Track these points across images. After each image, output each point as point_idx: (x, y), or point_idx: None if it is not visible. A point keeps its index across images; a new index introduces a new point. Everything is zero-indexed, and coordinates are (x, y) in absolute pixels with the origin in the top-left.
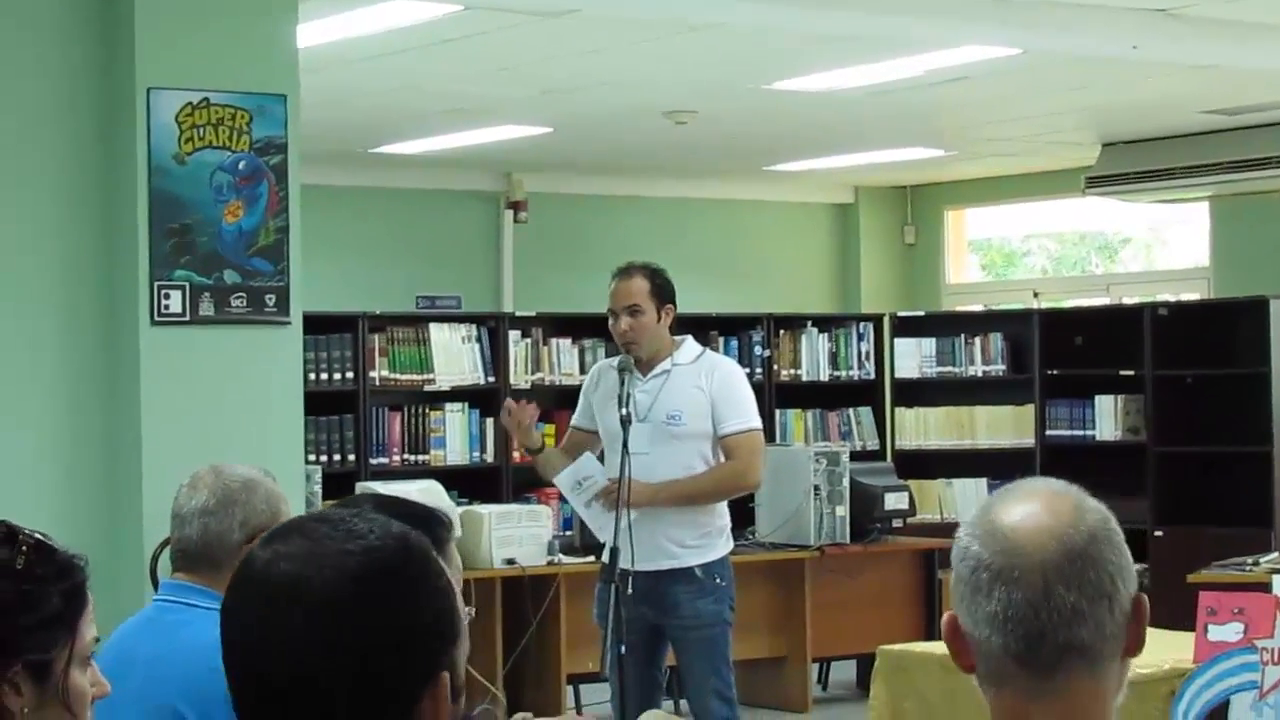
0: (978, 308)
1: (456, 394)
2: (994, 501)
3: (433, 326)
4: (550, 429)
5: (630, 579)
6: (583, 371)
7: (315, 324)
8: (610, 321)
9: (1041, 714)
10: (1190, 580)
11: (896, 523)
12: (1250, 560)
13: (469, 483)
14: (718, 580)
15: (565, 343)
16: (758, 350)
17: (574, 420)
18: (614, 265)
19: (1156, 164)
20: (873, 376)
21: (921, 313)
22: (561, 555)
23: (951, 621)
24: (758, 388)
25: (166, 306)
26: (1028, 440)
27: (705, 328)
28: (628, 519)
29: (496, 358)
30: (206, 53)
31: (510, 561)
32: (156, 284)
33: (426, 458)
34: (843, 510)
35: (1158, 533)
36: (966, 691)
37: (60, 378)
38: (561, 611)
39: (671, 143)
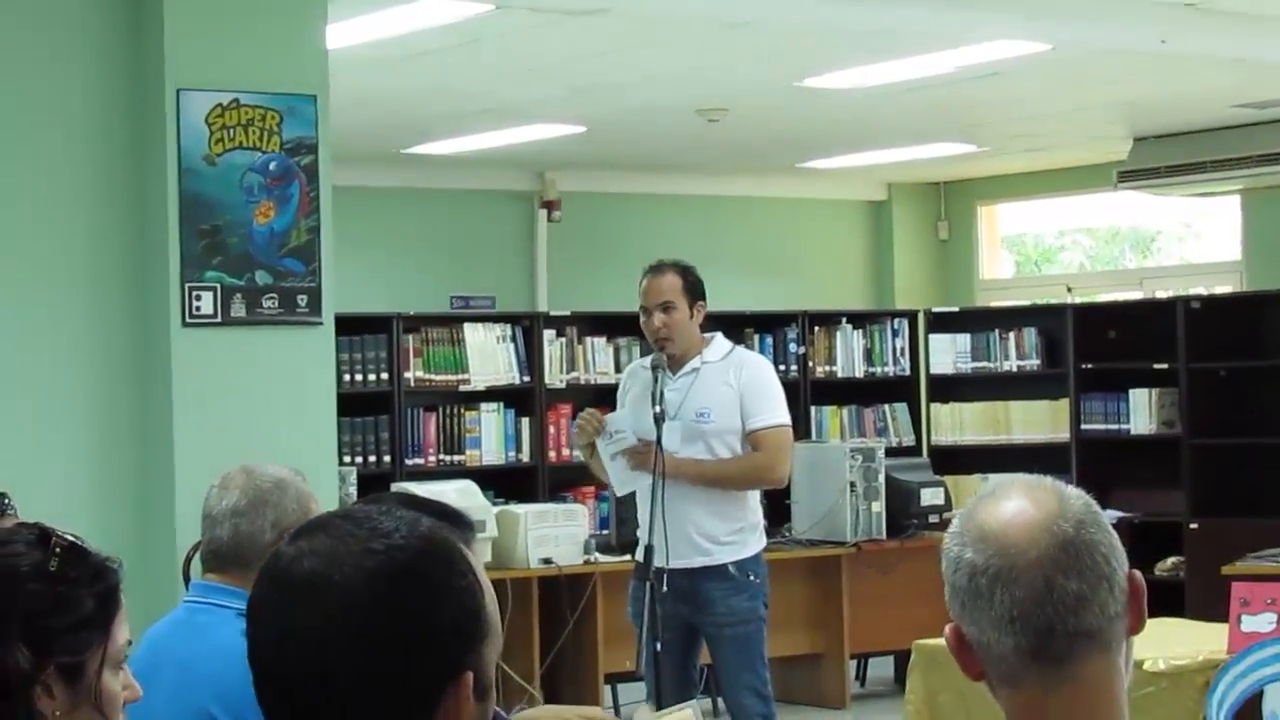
0: (1011, 303)
1: (492, 394)
2: (976, 506)
3: (467, 326)
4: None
5: (665, 577)
6: (618, 370)
7: (349, 325)
8: (642, 319)
9: (1059, 705)
10: (1225, 572)
11: (933, 518)
12: None
13: (505, 482)
14: (751, 577)
15: (600, 341)
16: (792, 347)
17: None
18: (648, 264)
19: (1188, 158)
20: (908, 372)
21: (955, 308)
22: (598, 554)
23: (954, 633)
24: (793, 384)
25: (198, 308)
26: (1063, 435)
27: (740, 325)
28: (662, 516)
29: (531, 357)
30: (236, 54)
31: (547, 561)
32: (188, 285)
33: (462, 458)
34: (879, 506)
35: (1193, 525)
36: None
37: (92, 380)
38: (598, 610)
39: (704, 140)
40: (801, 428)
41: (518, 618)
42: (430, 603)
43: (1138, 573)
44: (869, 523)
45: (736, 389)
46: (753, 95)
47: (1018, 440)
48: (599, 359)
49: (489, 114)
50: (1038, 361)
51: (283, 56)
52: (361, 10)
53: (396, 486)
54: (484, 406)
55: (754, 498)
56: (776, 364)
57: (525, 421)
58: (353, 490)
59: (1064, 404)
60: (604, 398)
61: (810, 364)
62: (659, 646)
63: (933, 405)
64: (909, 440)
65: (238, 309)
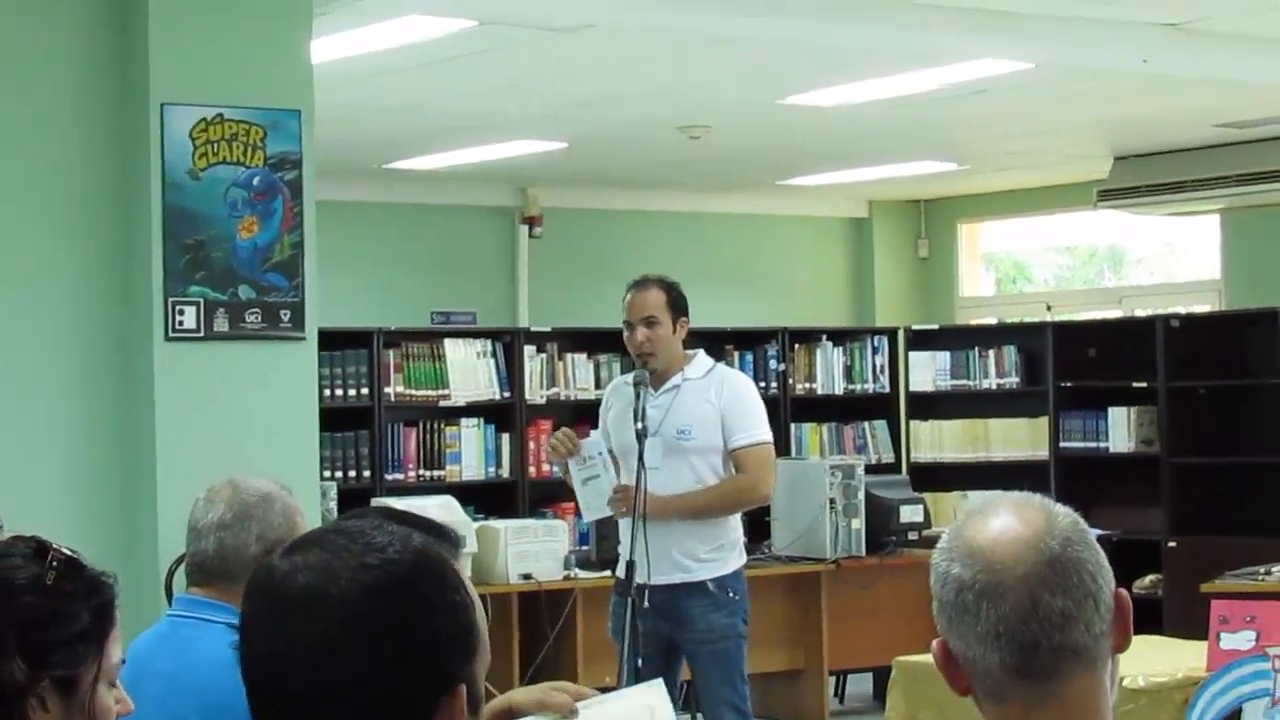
0: (991, 321)
1: (472, 409)
2: (965, 523)
3: (448, 342)
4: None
5: (646, 593)
6: (598, 386)
7: (330, 340)
8: (625, 334)
9: None
10: (1203, 590)
11: (912, 535)
12: (1263, 570)
13: (485, 498)
14: (731, 594)
15: (581, 357)
16: (773, 364)
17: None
18: (629, 279)
19: (1168, 177)
20: (887, 389)
21: (935, 326)
22: (578, 570)
23: (942, 647)
24: (773, 401)
25: (181, 322)
26: (1042, 452)
27: (721, 341)
28: (644, 533)
29: (512, 373)
30: (221, 68)
31: (527, 576)
32: (171, 300)
33: (442, 473)
34: (858, 523)
35: (1171, 543)
36: None
37: (75, 394)
38: (578, 626)
39: (686, 157)
40: (782, 444)
41: (497, 633)
42: (426, 616)
43: (1124, 591)
44: (849, 539)
45: (718, 407)
46: (735, 112)
47: (997, 458)
48: (580, 375)
49: (471, 129)
50: (1017, 379)
51: (267, 71)
52: (346, 26)
53: (376, 501)
54: (464, 422)
55: (734, 515)
56: (757, 380)
57: (506, 437)
58: (333, 505)
59: (1043, 422)
60: (584, 414)
61: (790, 381)
62: (640, 662)
63: (912, 422)
64: (889, 457)
65: (221, 324)
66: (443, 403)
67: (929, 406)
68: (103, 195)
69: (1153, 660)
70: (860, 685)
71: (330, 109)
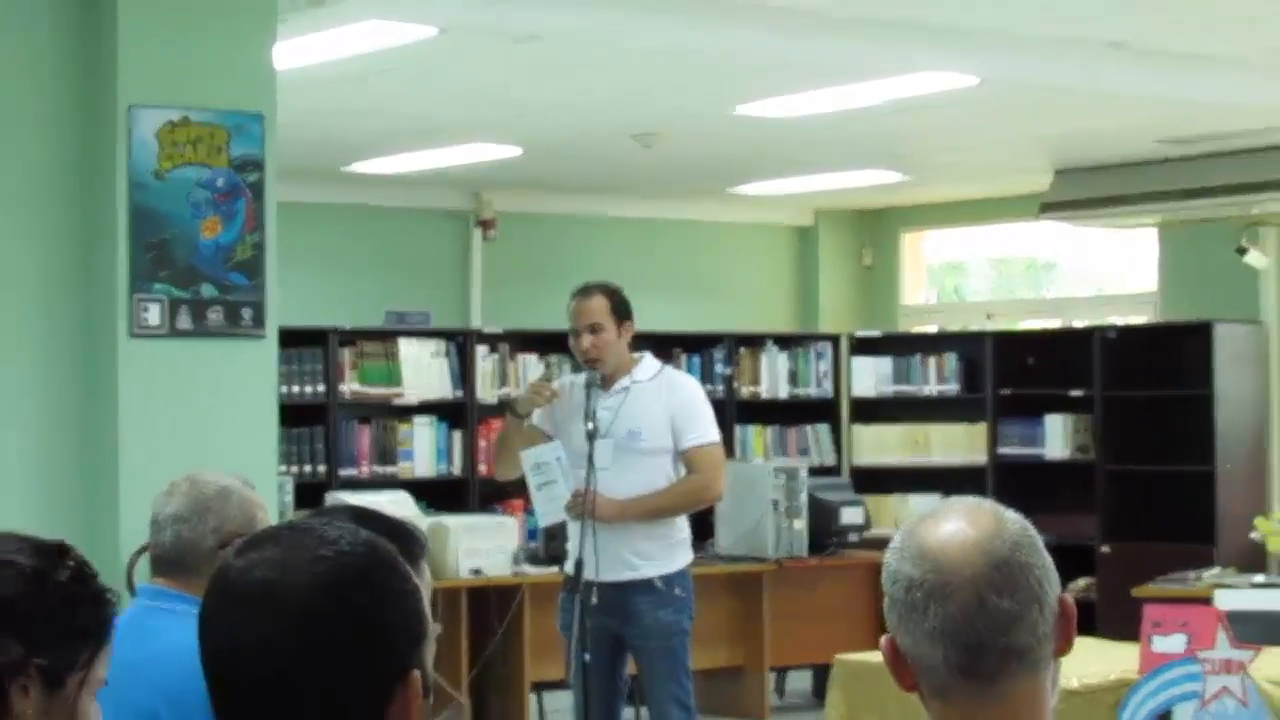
0: (932, 328)
1: (425, 408)
2: (917, 524)
3: (402, 341)
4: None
5: (594, 589)
6: None
7: (287, 338)
8: (571, 340)
9: (988, 719)
10: (1135, 594)
11: (853, 537)
12: (1194, 575)
13: (436, 494)
14: (677, 591)
15: (532, 358)
16: (719, 368)
17: (533, 419)
18: (581, 283)
19: (1108, 191)
20: (831, 394)
21: (878, 333)
22: (526, 566)
23: (890, 644)
24: (719, 404)
25: (145, 319)
26: (980, 458)
27: (669, 345)
28: (593, 532)
29: (464, 372)
30: (186, 72)
31: (476, 572)
32: (135, 297)
33: (395, 469)
34: (800, 524)
35: (1105, 549)
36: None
37: (40, 389)
38: (526, 620)
39: (638, 164)
40: (727, 447)
41: (447, 627)
42: (378, 606)
43: (1069, 597)
44: (790, 540)
45: (668, 409)
46: (686, 121)
47: (936, 462)
48: (530, 375)
49: (428, 134)
50: (957, 386)
51: (231, 76)
52: (308, 31)
53: (330, 496)
54: (417, 420)
55: (684, 514)
56: (704, 384)
57: (457, 435)
58: (289, 499)
59: (982, 428)
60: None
61: (736, 384)
62: (587, 657)
63: (855, 427)
64: (831, 460)
65: (184, 321)
66: (396, 401)
67: (871, 411)
68: (70, 194)
69: (1086, 662)
70: (800, 682)
71: (292, 113)
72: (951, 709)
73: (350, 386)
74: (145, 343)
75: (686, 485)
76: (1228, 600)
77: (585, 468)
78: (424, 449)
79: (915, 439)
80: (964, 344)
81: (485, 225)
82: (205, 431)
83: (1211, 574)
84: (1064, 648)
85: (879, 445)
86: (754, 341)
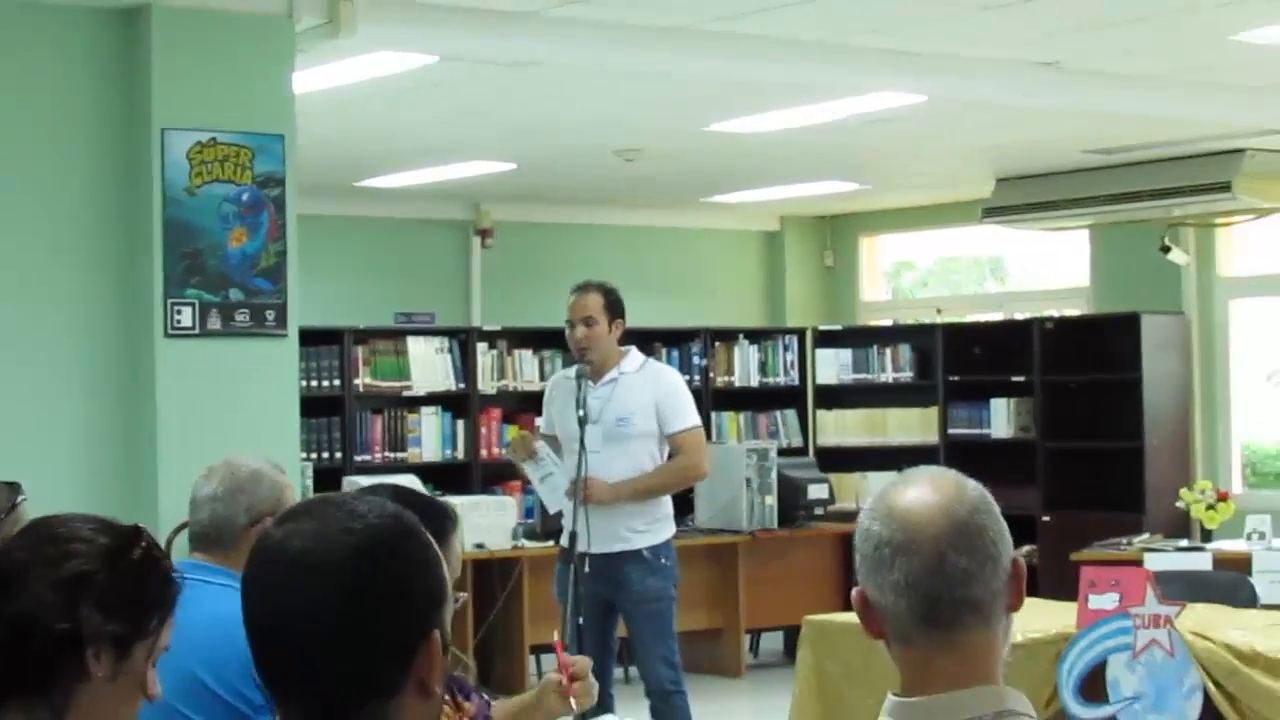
0: (888, 322)
1: (431, 399)
2: (888, 488)
3: (410, 339)
4: (514, 429)
5: (587, 560)
6: (543, 378)
7: (306, 337)
8: (567, 331)
9: (944, 664)
10: (1074, 558)
11: (819, 510)
12: (1125, 541)
13: (442, 477)
14: (663, 560)
15: (527, 354)
16: (696, 360)
17: (541, 428)
18: (571, 285)
19: (1043, 197)
20: (797, 383)
21: (839, 327)
22: (524, 540)
23: (860, 595)
24: (696, 393)
25: (179, 321)
26: (932, 438)
27: (651, 340)
28: (584, 509)
29: (466, 367)
30: (214, 98)
31: (479, 546)
32: (170, 301)
33: (405, 455)
34: (771, 499)
35: (1045, 518)
36: (881, 654)
37: (85, 385)
38: (525, 589)
39: (621, 177)
40: (704, 431)
41: None
42: (405, 570)
43: (1021, 558)
44: (763, 514)
45: (653, 398)
46: (665, 138)
47: (893, 443)
48: (526, 369)
49: (431, 152)
50: (911, 374)
51: (255, 101)
52: (323, 61)
53: (347, 481)
54: (424, 410)
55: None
56: (682, 374)
57: (461, 423)
58: (309, 483)
59: (933, 411)
60: (530, 403)
61: (712, 375)
62: (580, 621)
63: (819, 411)
64: (798, 442)
65: (214, 322)
66: (405, 393)
67: (833, 397)
68: (111, 210)
69: (1029, 619)
70: (773, 642)
71: (309, 134)
72: (912, 654)
73: (363, 380)
74: (179, 342)
75: (675, 466)
76: (1156, 562)
77: (578, 452)
78: (430, 436)
79: (874, 422)
80: (917, 336)
81: (484, 234)
82: (234, 421)
83: (1141, 539)
84: (1015, 604)
85: (841, 428)
86: (727, 336)
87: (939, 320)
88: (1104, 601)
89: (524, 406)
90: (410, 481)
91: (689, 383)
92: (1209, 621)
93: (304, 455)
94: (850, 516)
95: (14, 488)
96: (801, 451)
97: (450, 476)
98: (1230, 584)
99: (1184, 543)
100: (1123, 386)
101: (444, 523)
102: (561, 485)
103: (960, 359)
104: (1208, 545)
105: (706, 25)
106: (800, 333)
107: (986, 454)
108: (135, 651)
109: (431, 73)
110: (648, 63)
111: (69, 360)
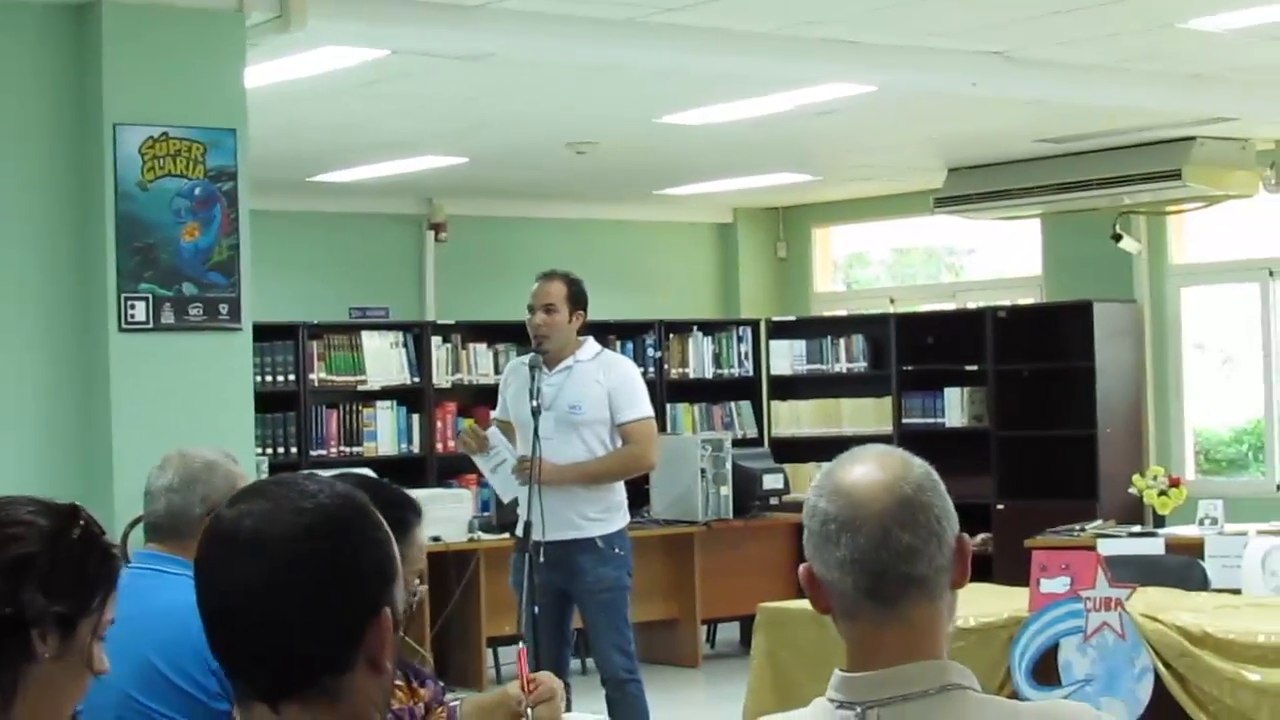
0: (842, 313)
1: (386, 393)
2: (835, 466)
3: (364, 334)
4: (469, 421)
5: (541, 549)
6: (497, 372)
7: (261, 332)
8: (528, 316)
9: (890, 638)
10: (1027, 545)
11: (773, 500)
12: (1078, 527)
13: (398, 470)
14: (617, 550)
15: (481, 347)
16: (651, 351)
17: (496, 415)
18: (525, 279)
19: (995, 186)
20: (751, 374)
21: (793, 318)
22: (480, 533)
23: (807, 571)
24: (651, 384)
25: (133, 315)
26: (886, 427)
27: (605, 332)
28: (539, 496)
29: (421, 361)
30: (166, 92)
31: (435, 539)
32: (124, 295)
33: (360, 449)
34: (726, 490)
35: (999, 506)
36: (832, 640)
37: (40, 379)
38: (481, 582)
39: (574, 170)
40: (658, 422)
41: None
42: (356, 549)
43: (965, 535)
44: (718, 504)
45: (605, 387)
46: (616, 131)
47: (847, 433)
48: (481, 362)
49: (383, 146)
50: (864, 364)
51: (206, 95)
52: (275, 55)
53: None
54: (379, 404)
55: (620, 481)
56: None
57: (416, 417)
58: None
59: (887, 401)
60: (485, 396)
61: (666, 366)
62: (536, 610)
63: (773, 402)
64: (753, 433)
65: (167, 316)
66: (360, 387)
67: (788, 388)
68: (64, 205)
69: (983, 604)
70: (729, 632)
71: (262, 128)
72: (859, 629)
73: (318, 375)
74: (133, 336)
75: (623, 454)
76: (1109, 548)
77: (531, 438)
78: (386, 430)
79: (828, 412)
80: (870, 326)
81: (437, 228)
82: (188, 414)
83: (1094, 526)
84: (960, 580)
85: (795, 418)
86: (681, 328)
87: (892, 310)
88: (1055, 585)
89: (479, 400)
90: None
91: (643, 374)
92: (1159, 604)
93: (259, 450)
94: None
95: None
96: (756, 442)
97: (406, 470)
98: (1182, 568)
99: (1137, 528)
100: (1076, 375)
101: (408, 514)
102: (511, 468)
103: (914, 349)
104: (1160, 531)
105: (657, 17)
106: (754, 324)
107: (941, 443)
108: (80, 629)
109: (384, 67)
110: (598, 55)
111: (22, 354)
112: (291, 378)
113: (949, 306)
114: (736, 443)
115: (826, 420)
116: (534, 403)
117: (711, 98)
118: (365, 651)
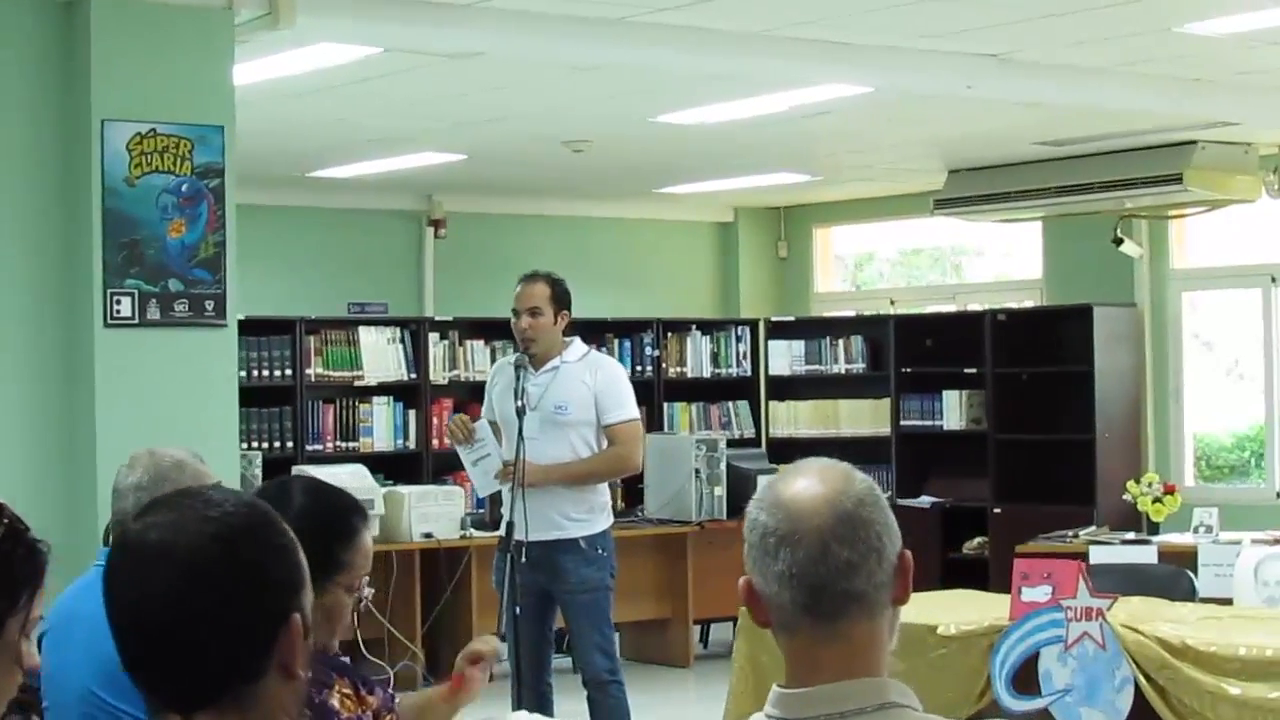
0: (841, 313)
1: (383, 389)
2: (777, 479)
3: (362, 329)
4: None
5: (524, 549)
6: None
7: (259, 327)
8: (513, 320)
9: (828, 656)
10: (1017, 551)
11: None
12: (1072, 533)
13: (393, 466)
14: (600, 550)
15: (478, 344)
16: (648, 350)
17: (484, 414)
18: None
19: (995, 188)
20: (749, 374)
21: (792, 318)
22: (473, 530)
23: (747, 584)
24: (647, 383)
25: (118, 311)
26: (885, 430)
27: (602, 331)
28: (522, 496)
29: (418, 357)
30: (154, 88)
31: (428, 535)
32: (109, 291)
33: (356, 444)
34: (720, 490)
35: (996, 510)
36: None
37: (25, 375)
38: (473, 579)
39: (571, 168)
40: (654, 421)
41: (402, 585)
42: (262, 557)
43: (908, 552)
44: (712, 504)
45: (592, 388)
46: (614, 129)
47: (845, 434)
48: (478, 359)
49: (382, 143)
50: (863, 365)
51: (194, 92)
52: (266, 51)
53: (298, 469)
54: (376, 400)
55: (605, 482)
56: (633, 366)
57: (412, 413)
58: (258, 472)
59: (886, 403)
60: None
61: (664, 365)
62: (518, 611)
63: (771, 403)
64: (750, 433)
65: (153, 312)
66: (357, 383)
67: (786, 389)
68: (50, 200)
69: (964, 612)
70: (722, 633)
71: (258, 124)
72: (797, 644)
73: (315, 370)
74: (119, 332)
75: (607, 455)
76: (1100, 555)
77: (516, 438)
78: (382, 426)
79: (826, 413)
80: (869, 327)
81: (436, 224)
82: (173, 411)
83: (1087, 532)
84: (901, 597)
85: (793, 419)
86: (679, 327)
87: (892, 312)
88: (1036, 594)
89: (475, 396)
90: (358, 471)
91: (639, 373)
92: (1141, 614)
93: (255, 445)
94: None
95: None
96: (752, 443)
97: (401, 466)
98: (1169, 577)
99: (1130, 535)
100: (1075, 379)
101: (353, 518)
102: (495, 469)
103: (913, 351)
104: (1154, 538)
105: (652, 17)
106: (753, 324)
107: (938, 446)
108: (8, 627)
109: (377, 64)
110: (593, 54)
111: (7, 349)
112: (288, 373)
113: (949, 309)
114: (732, 443)
115: (824, 421)
116: (519, 402)
117: (705, 98)
118: (276, 658)
